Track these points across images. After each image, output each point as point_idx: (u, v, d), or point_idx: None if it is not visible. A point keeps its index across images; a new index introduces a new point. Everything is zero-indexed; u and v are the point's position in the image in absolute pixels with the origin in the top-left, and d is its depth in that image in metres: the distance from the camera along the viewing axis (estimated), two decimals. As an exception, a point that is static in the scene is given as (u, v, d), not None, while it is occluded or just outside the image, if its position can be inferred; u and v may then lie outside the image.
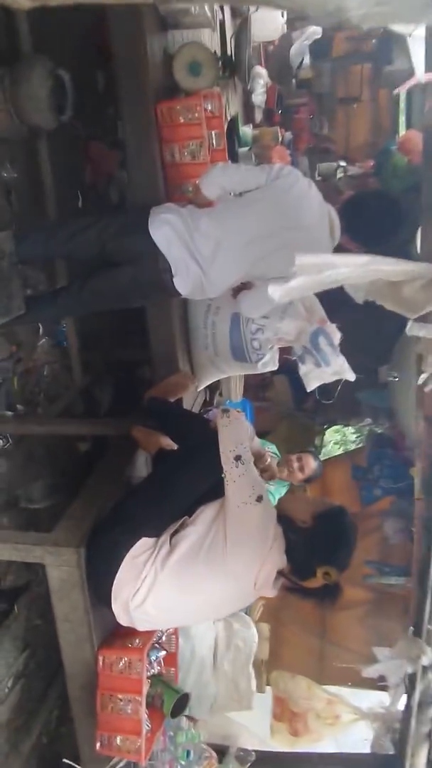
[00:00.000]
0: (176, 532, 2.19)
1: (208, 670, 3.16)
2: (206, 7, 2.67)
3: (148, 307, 2.70)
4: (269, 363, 2.91)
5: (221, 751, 3.66)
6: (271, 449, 3.80)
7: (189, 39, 2.81)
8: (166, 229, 2.35)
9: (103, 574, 2.14)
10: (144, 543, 2.14)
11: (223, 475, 2.17)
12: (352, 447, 8.71)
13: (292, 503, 2.38)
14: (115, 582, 2.10)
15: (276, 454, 3.78)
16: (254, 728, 4.01)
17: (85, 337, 3.39)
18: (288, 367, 3.49)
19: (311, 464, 3.55)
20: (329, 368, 2.90)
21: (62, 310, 2.67)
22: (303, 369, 2.96)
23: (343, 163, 6.39)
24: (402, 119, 6.89)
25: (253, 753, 3.65)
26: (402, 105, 7.09)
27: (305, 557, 2.12)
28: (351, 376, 2.96)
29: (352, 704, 4.19)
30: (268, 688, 4.41)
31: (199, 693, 3.14)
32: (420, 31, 5.29)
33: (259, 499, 2.11)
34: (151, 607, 2.10)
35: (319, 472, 3.64)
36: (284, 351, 3.04)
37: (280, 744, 4.35)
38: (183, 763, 2.64)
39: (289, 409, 5.90)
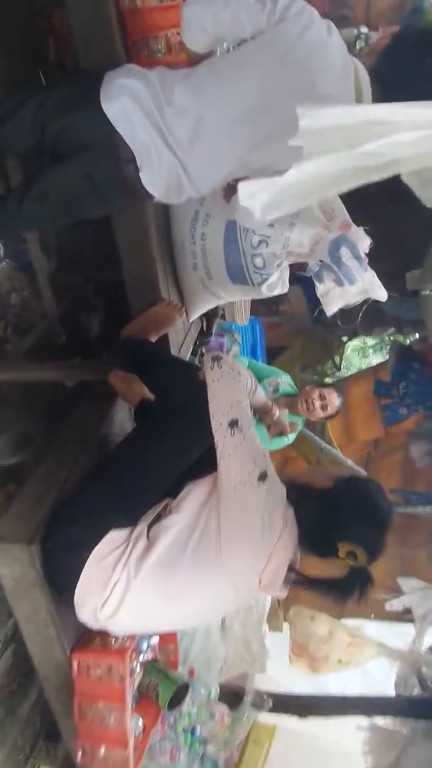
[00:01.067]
0: (156, 520, 1.64)
1: (216, 634, 2.74)
2: None
3: (114, 217, 2.00)
4: (276, 285, 2.23)
5: (237, 694, 3.35)
6: (285, 379, 3.18)
7: None
8: (126, 102, 1.60)
9: (63, 578, 1.61)
10: (113, 538, 1.60)
11: (215, 444, 1.59)
12: (373, 357, 8.09)
13: (308, 471, 1.79)
14: (77, 590, 1.58)
15: (291, 385, 3.16)
16: (271, 669, 3.68)
17: (63, 255, 2.71)
18: (302, 278, 2.81)
19: (335, 401, 2.95)
20: (354, 286, 2.22)
21: (5, 226, 1.98)
22: (321, 289, 2.29)
23: (364, 30, 5.29)
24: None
25: (269, 699, 3.32)
26: None
27: (324, 527, 1.58)
28: (382, 295, 2.29)
29: (375, 643, 3.83)
30: (285, 625, 4.06)
31: (207, 658, 2.72)
32: None
33: (263, 477, 1.54)
34: (126, 617, 1.59)
35: (342, 408, 3.04)
36: (297, 267, 2.35)
37: (301, 671, 4.04)
38: (186, 749, 2.25)
39: (305, 323, 5.22)
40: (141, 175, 1.69)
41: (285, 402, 3.05)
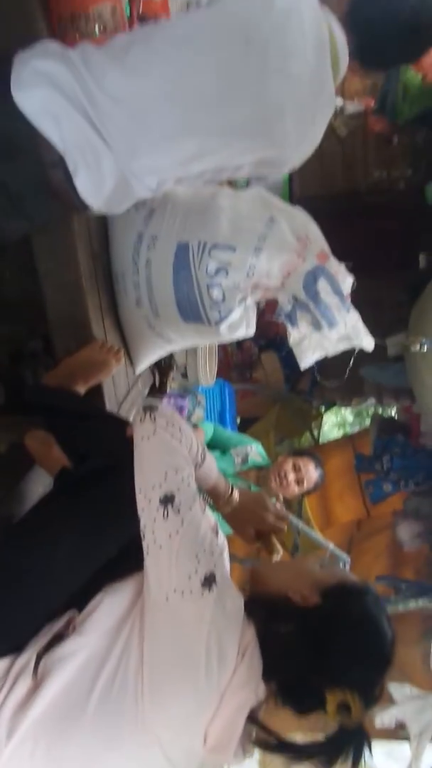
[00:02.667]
0: (50, 646, 1.07)
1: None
2: None
3: (34, 235, 1.53)
4: (239, 325, 1.74)
5: None
6: (255, 449, 2.66)
7: None
8: (45, 92, 1.17)
9: None
10: (-17, 673, 1.02)
11: (141, 532, 1.05)
12: (353, 429, 7.64)
13: (280, 570, 1.24)
14: None
15: (262, 455, 2.64)
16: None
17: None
18: (277, 342, 2.39)
19: (312, 474, 2.44)
20: (334, 331, 1.75)
21: None
22: (294, 334, 1.81)
23: (338, 102, 5.17)
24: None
25: None
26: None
27: (307, 669, 1.02)
28: (369, 343, 1.82)
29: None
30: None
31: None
32: None
33: (209, 581, 0.99)
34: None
35: (321, 482, 2.52)
36: (273, 330, 1.89)
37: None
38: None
39: (280, 392, 4.76)
40: (75, 181, 1.24)
41: (255, 475, 2.54)
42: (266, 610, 1.06)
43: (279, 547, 1.38)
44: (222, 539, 1.31)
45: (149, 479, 1.07)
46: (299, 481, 2.43)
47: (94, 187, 1.28)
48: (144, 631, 1.00)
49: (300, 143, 1.38)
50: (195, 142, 1.29)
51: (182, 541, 1.00)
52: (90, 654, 1.02)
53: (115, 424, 1.42)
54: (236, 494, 1.36)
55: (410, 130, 4.58)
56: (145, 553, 1.03)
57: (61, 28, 1.44)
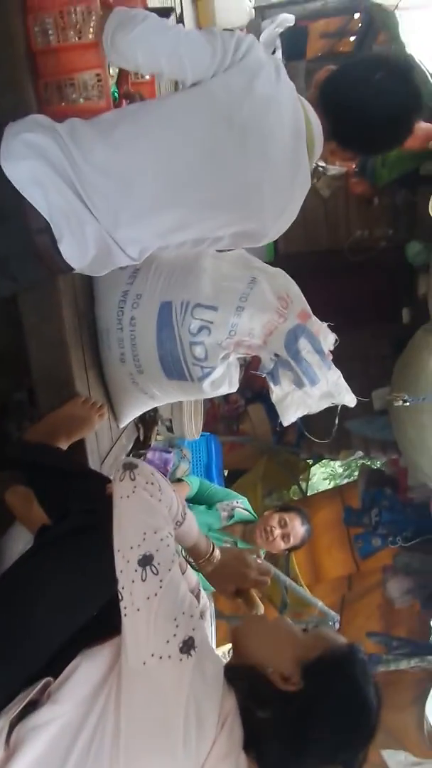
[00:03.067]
0: (23, 714, 1.03)
1: None
2: None
3: (21, 295, 1.56)
4: (222, 382, 1.76)
5: None
6: (242, 503, 2.63)
7: None
8: (34, 163, 1.21)
9: None
10: None
11: (119, 593, 1.02)
12: (342, 481, 7.60)
13: (259, 636, 1.19)
14: None
15: (249, 510, 2.61)
16: None
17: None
18: (264, 394, 2.40)
19: (298, 529, 2.40)
20: (316, 388, 1.77)
21: None
22: (276, 392, 1.83)
23: (321, 164, 5.38)
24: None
25: None
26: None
27: (290, 752, 1.00)
28: (350, 400, 1.83)
29: None
30: None
31: None
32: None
33: (188, 647, 0.96)
34: None
35: (308, 537, 2.48)
36: (260, 384, 1.91)
37: None
38: None
39: (268, 444, 4.75)
40: (60, 246, 1.27)
41: (241, 530, 2.50)
42: (247, 683, 1.03)
43: (259, 602, 1.36)
44: (204, 600, 1.28)
45: (127, 539, 1.05)
46: (285, 537, 2.39)
47: (79, 253, 1.31)
48: (120, 698, 0.96)
49: (277, 219, 1.44)
50: (176, 215, 1.34)
51: (161, 603, 0.98)
52: (65, 723, 0.98)
53: (96, 482, 1.40)
54: (217, 552, 1.33)
55: (390, 192, 4.74)
56: (123, 614, 1.00)
57: (48, 95, 1.50)
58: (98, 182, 1.25)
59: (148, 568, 1.00)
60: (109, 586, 1.05)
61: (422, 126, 3.86)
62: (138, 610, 0.98)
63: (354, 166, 5.38)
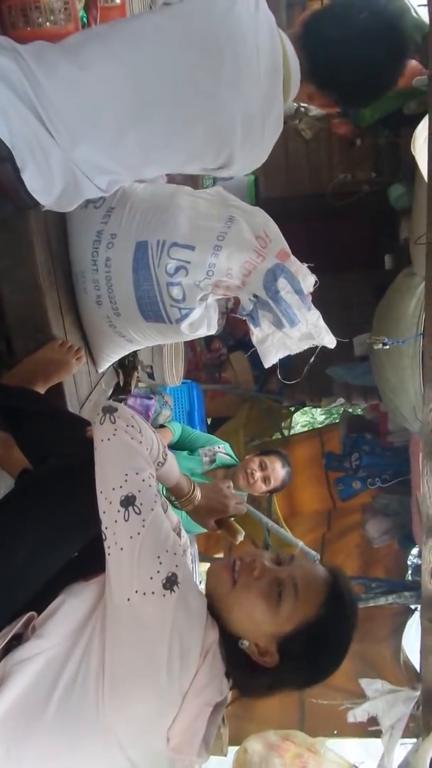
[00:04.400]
0: (8, 648, 1.05)
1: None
2: None
3: (-11, 233, 1.50)
4: (200, 324, 1.74)
5: None
6: (224, 448, 2.65)
7: None
8: None
9: None
10: None
11: (102, 533, 1.03)
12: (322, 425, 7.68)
13: (235, 606, 1.16)
14: None
15: (230, 455, 2.63)
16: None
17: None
18: (246, 342, 2.37)
19: (279, 472, 2.43)
20: (296, 329, 1.75)
21: None
22: (257, 334, 1.82)
23: (303, 105, 5.21)
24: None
25: None
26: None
27: (266, 687, 1.07)
28: (330, 341, 1.83)
29: (338, 760, 3.13)
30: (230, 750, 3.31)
31: None
32: None
33: (171, 582, 0.98)
34: None
35: (288, 479, 2.52)
36: (243, 331, 1.89)
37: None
38: None
39: (250, 391, 4.76)
40: (23, 176, 1.20)
41: (223, 474, 2.53)
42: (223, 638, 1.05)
43: (239, 528, 1.41)
44: (185, 538, 1.30)
45: (110, 481, 1.05)
46: (266, 479, 2.42)
47: (44, 185, 1.24)
48: (105, 634, 0.98)
49: (245, 158, 1.36)
50: (141, 143, 1.27)
51: (144, 542, 0.99)
52: (50, 657, 0.99)
53: (76, 425, 1.39)
54: (198, 492, 1.35)
55: (373, 133, 4.62)
56: (106, 554, 1.01)
57: (12, 18, 1.42)
58: (61, 104, 1.18)
59: (130, 508, 1.01)
60: (90, 527, 1.06)
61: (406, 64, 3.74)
62: (122, 549, 0.99)
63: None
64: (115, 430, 1.10)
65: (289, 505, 4.83)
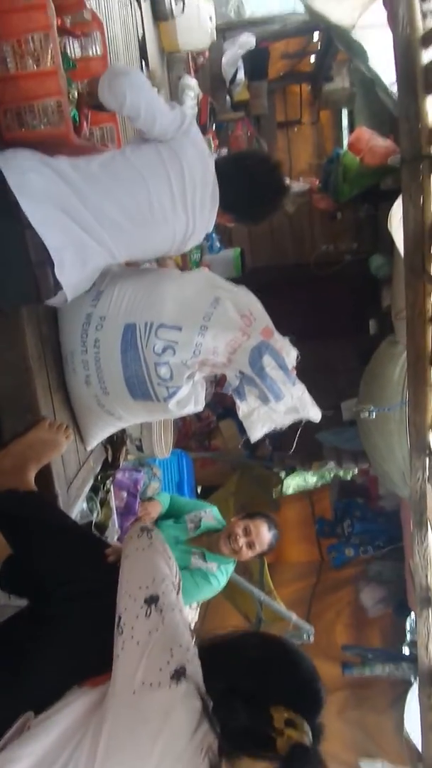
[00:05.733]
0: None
1: None
2: None
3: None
4: (188, 401, 1.77)
5: None
6: (211, 512, 2.62)
7: None
8: (49, 206, 1.41)
9: None
10: None
11: (118, 629, 1.05)
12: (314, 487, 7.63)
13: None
14: None
15: (217, 519, 2.60)
16: None
17: None
18: (234, 410, 2.41)
19: (264, 536, 2.36)
20: (281, 404, 1.79)
21: None
22: (243, 408, 1.85)
23: (286, 180, 5.47)
24: (345, 135, 6.10)
25: None
26: (345, 122, 6.32)
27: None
28: (315, 414, 1.86)
29: None
30: None
31: None
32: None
33: (178, 674, 0.98)
34: None
35: (275, 542, 2.46)
36: (224, 379, 1.93)
37: None
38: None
39: (240, 459, 4.76)
40: (60, 278, 1.45)
41: (206, 541, 2.45)
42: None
43: None
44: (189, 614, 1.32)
45: (137, 580, 1.11)
46: (251, 545, 2.34)
47: (78, 283, 1.51)
48: (101, 730, 0.96)
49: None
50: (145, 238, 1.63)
51: (160, 637, 1.01)
52: (38, 759, 0.97)
53: (94, 547, 1.43)
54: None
55: (353, 207, 4.85)
56: (119, 649, 1.02)
57: (8, 121, 1.51)
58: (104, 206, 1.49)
59: (153, 605, 1.06)
60: (105, 658, 1.07)
61: (381, 143, 3.97)
62: (138, 643, 1.01)
63: (317, 182, 5.50)
64: (151, 544, 1.22)
65: (278, 553, 4.75)
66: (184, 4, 4.69)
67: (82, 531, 1.64)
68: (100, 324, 1.70)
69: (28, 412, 1.63)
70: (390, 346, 3.45)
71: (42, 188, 1.38)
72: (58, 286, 1.47)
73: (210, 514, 2.59)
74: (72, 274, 1.47)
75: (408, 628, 4.08)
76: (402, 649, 3.77)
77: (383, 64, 3.88)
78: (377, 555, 4.21)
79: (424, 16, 1.78)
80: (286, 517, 4.93)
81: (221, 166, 1.72)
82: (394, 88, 3.70)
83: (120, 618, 1.05)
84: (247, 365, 1.73)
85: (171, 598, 1.10)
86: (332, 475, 6.09)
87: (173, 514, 2.65)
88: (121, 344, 1.68)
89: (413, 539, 2.51)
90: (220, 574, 2.42)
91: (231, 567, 2.50)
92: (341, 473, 5.71)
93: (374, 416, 2.66)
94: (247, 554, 2.38)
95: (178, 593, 1.23)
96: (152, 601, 1.07)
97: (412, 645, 3.80)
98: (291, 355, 1.82)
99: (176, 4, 4.63)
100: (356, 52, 4.12)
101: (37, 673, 1.19)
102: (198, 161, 1.64)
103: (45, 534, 1.43)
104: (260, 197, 1.78)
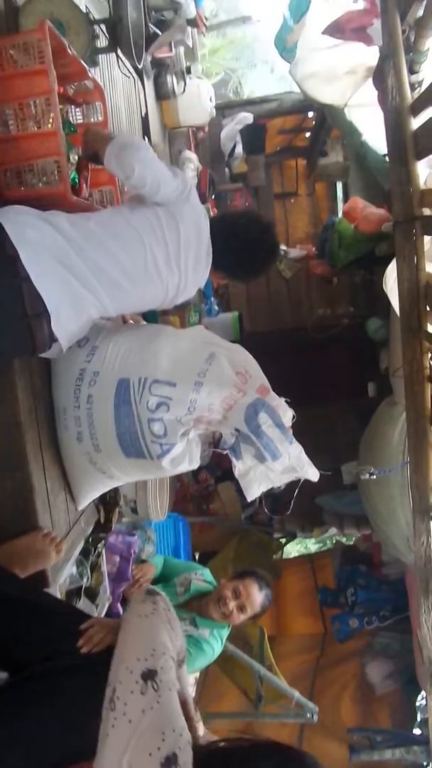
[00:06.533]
0: None
1: None
2: None
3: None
4: (182, 459, 1.72)
5: None
6: (202, 574, 2.50)
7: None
8: (49, 260, 1.41)
9: None
10: None
11: (111, 704, 0.98)
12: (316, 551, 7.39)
13: None
14: None
15: (210, 582, 2.47)
16: None
17: None
18: (233, 472, 2.35)
19: (255, 598, 2.21)
20: (278, 463, 1.74)
21: None
22: (239, 467, 1.79)
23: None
24: (340, 206, 6.30)
25: None
26: (340, 194, 6.55)
27: None
28: (314, 475, 1.80)
29: None
30: None
31: None
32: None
33: (170, 763, 0.90)
34: None
35: (268, 602, 2.32)
36: (228, 460, 1.89)
37: None
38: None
39: (238, 524, 4.63)
40: (55, 330, 1.44)
41: (197, 605, 2.31)
42: None
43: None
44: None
45: (135, 651, 1.04)
46: (242, 608, 2.19)
47: (72, 335, 1.50)
48: None
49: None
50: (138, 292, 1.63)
51: (154, 718, 0.94)
52: None
53: (73, 619, 1.36)
54: (201, 726, 1.29)
55: (349, 272, 4.94)
56: (109, 725, 0.94)
57: (7, 180, 1.54)
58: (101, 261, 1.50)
59: (150, 682, 0.99)
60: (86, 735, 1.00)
61: (375, 211, 4.08)
62: (129, 721, 0.93)
63: (313, 249, 5.63)
64: (155, 610, 1.14)
65: (277, 626, 4.52)
66: (185, 84, 4.95)
67: (57, 602, 1.55)
68: (94, 379, 1.68)
69: (17, 471, 1.58)
70: (389, 407, 3.42)
71: (40, 242, 1.39)
72: (53, 338, 1.46)
73: (200, 576, 2.47)
74: (68, 326, 1.47)
75: (418, 706, 3.84)
76: (413, 730, 3.53)
77: (374, 140, 4.05)
78: (383, 626, 4.01)
79: (413, 87, 1.87)
80: (288, 587, 4.72)
81: (215, 224, 1.77)
82: (384, 162, 3.86)
83: (114, 691, 0.97)
84: (243, 423, 1.69)
85: (170, 675, 1.02)
86: (334, 541, 5.92)
87: (165, 576, 2.53)
88: (115, 400, 1.65)
89: (420, 608, 2.39)
90: (214, 640, 2.27)
91: (225, 632, 2.35)
92: (343, 539, 5.55)
93: (375, 478, 2.60)
94: (239, 618, 2.24)
95: (180, 668, 1.15)
96: (149, 676, 0.99)
97: (424, 725, 3.57)
98: (287, 414, 1.79)
99: (178, 84, 4.89)
100: (348, 129, 4.33)
101: (19, 747, 1.10)
102: (194, 224, 1.69)
103: (23, 604, 1.35)
104: (252, 255, 1.82)
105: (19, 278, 1.35)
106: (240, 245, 1.77)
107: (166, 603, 1.19)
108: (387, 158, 3.70)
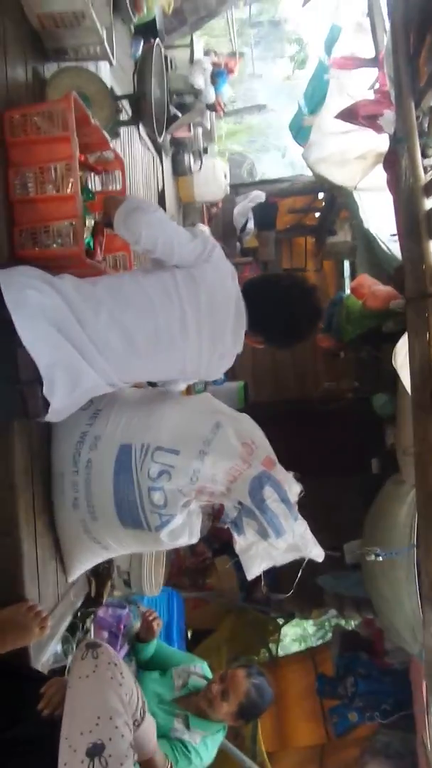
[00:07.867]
0: None
1: None
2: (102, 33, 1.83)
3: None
4: (181, 532, 1.63)
5: None
6: (201, 668, 2.32)
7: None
8: (44, 324, 1.34)
9: None
10: None
11: None
12: (316, 643, 7.04)
13: None
14: None
15: (206, 677, 2.29)
16: None
17: None
18: (232, 546, 2.23)
19: (240, 682, 1.99)
20: (281, 540, 1.65)
21: None
22: (240, 542, 1.70)
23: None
24: (347, 283, 6.42)
25: None
26: (347, 272, 6.69)
27: None
28: (318, 555, 1.71)
29: None
30: None
31: None
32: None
33: None
34: None
35: (256, 694, 2.09)
36: (227, 532, 1.79)
37: None
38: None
39: (235, 601, 4.42)
40: (50, 397, 1.36)
41: (193, 702, 2.11)
42: None
43: None
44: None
45: (79, 724, 0.93)
46: (224, 693, 1.95)
47: (67, 404, 1.41)
48: None
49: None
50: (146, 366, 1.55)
51: None
52: None
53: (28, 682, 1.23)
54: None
55: (355, 347, 4.96)
56: None
57: (22, 240, 1.54)
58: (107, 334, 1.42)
59: (96, 759, 0.89)
60: None
61: (382, 288, 4.13)
62: None
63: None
64: (96, 666, 1.04)
65: (278, 737, 4.21)
66: (201, 162, 5.17)
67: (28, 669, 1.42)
68: (95, 444, 1.62)
69: (7, 536, 1.49)
70: (396, 485, 3.32)
71: (38, 304, 1.33)
72: (47, 405, 1.37)
73: (199, 671, 2.28)
74: (62, 394, 1.38)
75: None
76: None
77: (381, 222, 4.16)
78: (384, 722, 3.73)
79: (426, 170, 1.91)
80: (288, 686, 4.41)
81: (255, 285, 1.68)
82: (391, 243, 3.95)
83: None
84: (247, 496, 1.62)
85: (120, 746, 0.90)
86: (333, 624, 5.64)
87: (160, 663, 2.34)
88: (115, 465, 1.58)
89: (427, 706, 2.22)
90: (203, 748, 2.03)
91: (220, 737, 2.12)
92: (342, 622, 5.29)
93: (381, 560, 2.48)
94: (223, 707, 2.02)
95: (139, 726, 1.02)
96: (95, 752, 0.89)
97: None
98: (293, 489, 1.71)
99: (194, 162, 5.10)
100: (357, 210, 4.46)
101: None
102: (219, 285, 1.58)
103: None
104: (296, 320, 1.68)
105: (14, 343, 1.29)
106: (283, 308, 1.65)
107: (108, 655, 1.08)
108: (393, 237, 3.79)
